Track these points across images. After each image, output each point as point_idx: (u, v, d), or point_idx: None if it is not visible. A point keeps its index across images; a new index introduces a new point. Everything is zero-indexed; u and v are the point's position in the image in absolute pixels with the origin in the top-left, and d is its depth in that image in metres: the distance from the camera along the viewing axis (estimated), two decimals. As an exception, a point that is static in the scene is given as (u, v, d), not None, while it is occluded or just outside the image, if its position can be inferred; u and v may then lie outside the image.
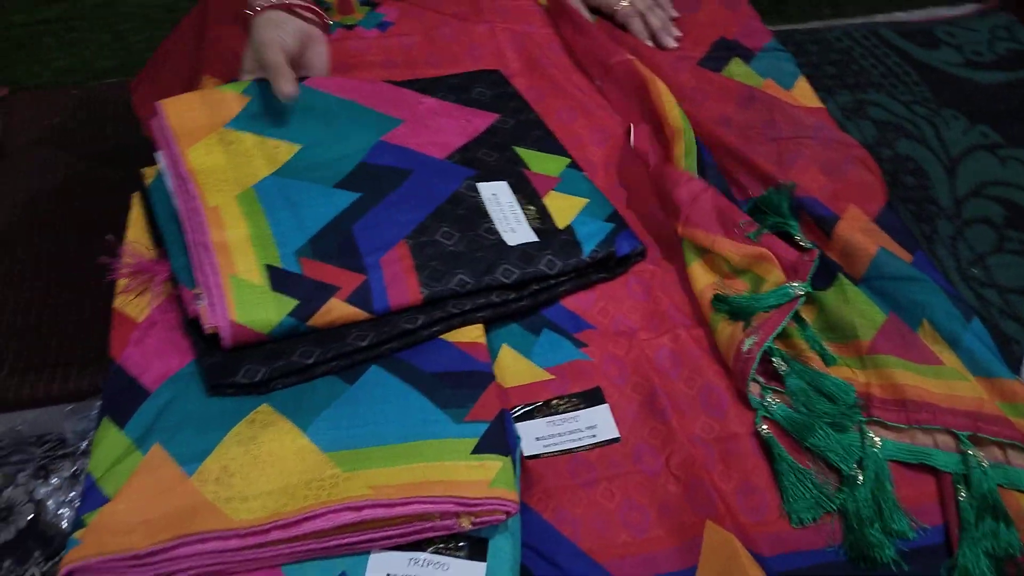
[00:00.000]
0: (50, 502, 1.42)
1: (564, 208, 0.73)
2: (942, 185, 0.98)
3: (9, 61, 1.79)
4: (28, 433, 1.47)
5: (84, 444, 1.46)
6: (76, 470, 1.44)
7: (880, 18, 1.40)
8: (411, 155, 0.75)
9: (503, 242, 0.69)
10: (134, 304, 0.66)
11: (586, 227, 0.72)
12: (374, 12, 0.95)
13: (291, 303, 0.61)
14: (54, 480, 1.45)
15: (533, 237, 0.70)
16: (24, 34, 1.80)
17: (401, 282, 0.65)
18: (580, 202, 0.75)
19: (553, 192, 0.75)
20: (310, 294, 0.62)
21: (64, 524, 1.39)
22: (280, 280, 0.63)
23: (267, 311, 0.61)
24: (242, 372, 0.59)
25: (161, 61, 0.99)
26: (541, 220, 0.72)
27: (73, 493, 1.43)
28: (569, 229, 0.72)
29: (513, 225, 0.71)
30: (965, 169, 1.02)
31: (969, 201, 0.97)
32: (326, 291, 0.63)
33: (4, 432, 1.47)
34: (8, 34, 1.79)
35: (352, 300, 0.63)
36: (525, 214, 0.72)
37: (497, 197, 0.73)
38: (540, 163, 0.78)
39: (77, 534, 0.53)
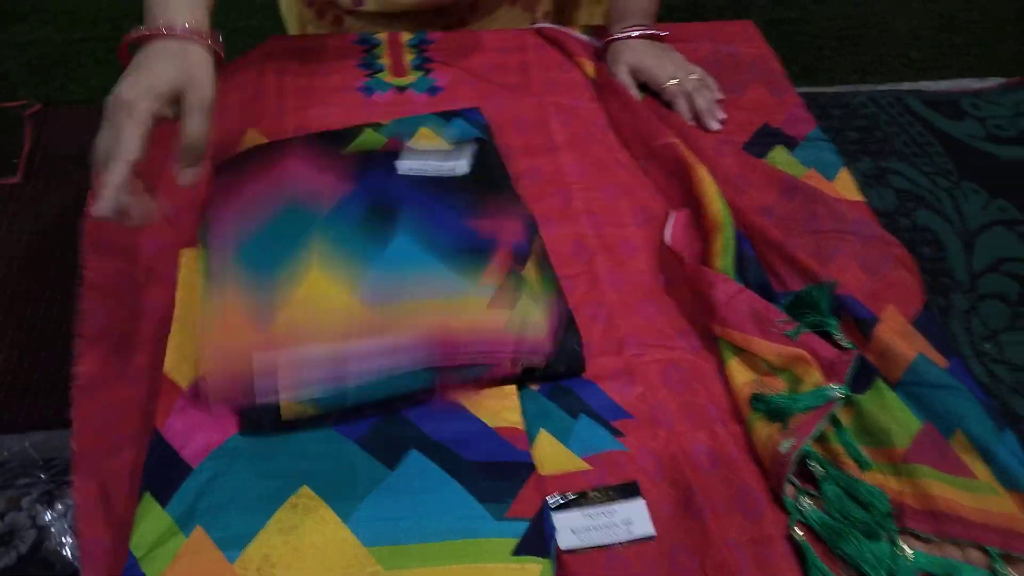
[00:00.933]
0: (53, 529, 1.42)
1: None
2: (958, 258, 0.98)
3: (45, 77, 1.82)
4: (35, 456, 1.47)
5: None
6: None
7: (906, 86, 1.39)
8: None
9: None
10: (183, 371, 0.67)
11: None
12: (426, 77, 0.97)
13: None
14: (59, 507, 1.44)
15: None
16: (62, 52, 1.82)
17: None
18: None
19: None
20: None
21: (66, 552, 1.39)
22: None
23: None
24: None
25: None
26: None
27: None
28: None
29: None
30: (982, 244, 1.01)
31: (985, 276, 0.96)
32: None
33: (13, 453, 1.47)
34: (47, 50, 1.81)
35: None
36: None
37: None
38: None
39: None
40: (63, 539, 1.46)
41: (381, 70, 0.97)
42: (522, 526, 0.58)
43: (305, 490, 0.59)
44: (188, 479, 0.60)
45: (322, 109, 0.93)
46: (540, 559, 0.57)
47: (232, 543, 0.56)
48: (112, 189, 0.60)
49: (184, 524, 0.57)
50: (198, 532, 0.57)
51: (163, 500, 0.59)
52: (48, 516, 1.49)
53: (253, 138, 0.88)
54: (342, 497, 0.59)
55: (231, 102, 0.94)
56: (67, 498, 1.48)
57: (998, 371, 0.84)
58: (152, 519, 0.58)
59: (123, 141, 0.61)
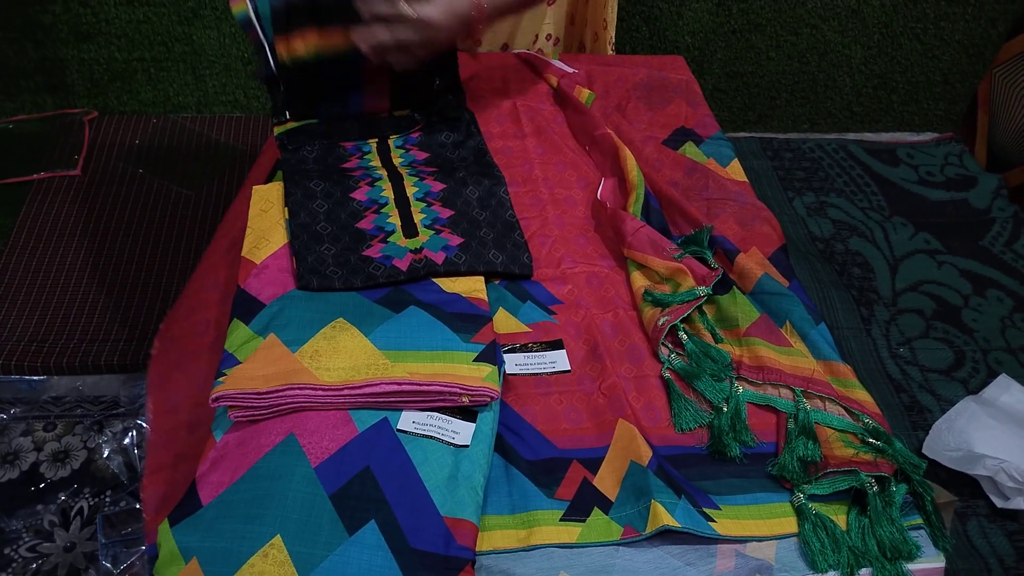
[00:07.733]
0: (102, 450, 1.71)
1: None
2: (884, 279, 1.15)
3: (104, 89, 2.14)
4: (88, 394, 1.77)
5: (134, 407, 1.75)
6: (126, 427, 1.74)
7: (851, 136, 1.51)
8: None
9: None
10: (254, 253, 0.97)
11: None
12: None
13: None
14: (107, 433, 1.74)
15: None
16: (120, 68, 2.14)
17: None
18: None
19: None
20: None
21: (113, 469, 1.68)
22: None
23: None
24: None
25: None
26: None
27: (125, 442, 1.72)
28: None
29: None
30: (906, 268, 1.20)
31: (906, 294, 1.14)
32: None
33: (68, 391, 1.77)
34: (108, 67, 2.12)
35: None
36: None
37: None
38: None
39: (220, 379, 0.83)
40: (107, 458, 1.75)
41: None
42: (480, 347, 0.89)
43: (341, 320, 0.89)
44: (264, 310, 0.90)
45: None
46: (491, 364, 0.87)
47: (293, 342, 0.86)
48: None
49: (262, 333, 0.87)
50: (271, 336, 0.87)
51: (247, 322, 0.89)
52: (97, 440, 1.80)
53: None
54: (365, 324, 0.89)
55: None
56: (113, 427, 1.78)
57: (911, 372, 1.03)
58: (239, 332, 0.88)
59: None
